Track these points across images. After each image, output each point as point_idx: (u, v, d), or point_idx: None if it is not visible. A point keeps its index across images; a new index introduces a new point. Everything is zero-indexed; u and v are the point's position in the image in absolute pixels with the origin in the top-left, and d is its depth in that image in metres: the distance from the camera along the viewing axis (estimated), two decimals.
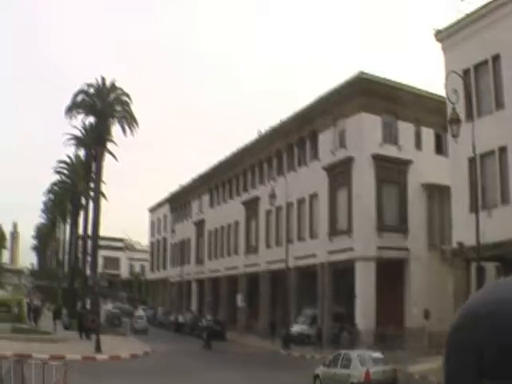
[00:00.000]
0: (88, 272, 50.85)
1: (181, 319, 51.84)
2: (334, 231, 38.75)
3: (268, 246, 47.37)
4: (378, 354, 20.17)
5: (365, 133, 37.00)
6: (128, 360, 28.62)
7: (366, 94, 36.89)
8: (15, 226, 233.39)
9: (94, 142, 48.57)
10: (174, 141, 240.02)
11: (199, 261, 62.48)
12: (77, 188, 59.35)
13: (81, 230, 57.32)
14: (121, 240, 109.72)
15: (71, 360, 25.35)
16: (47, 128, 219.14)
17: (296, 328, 38.52)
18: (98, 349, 28.70)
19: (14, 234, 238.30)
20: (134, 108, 49.19)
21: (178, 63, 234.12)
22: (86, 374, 21.50)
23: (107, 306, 57.84)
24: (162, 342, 38.64)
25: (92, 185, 59.09)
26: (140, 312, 55.10)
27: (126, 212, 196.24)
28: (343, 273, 37.22)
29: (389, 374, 19.10)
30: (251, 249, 50.59)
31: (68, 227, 67.81)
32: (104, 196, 61.93)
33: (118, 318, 50.27)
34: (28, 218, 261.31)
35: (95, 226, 47.48)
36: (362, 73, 37.11)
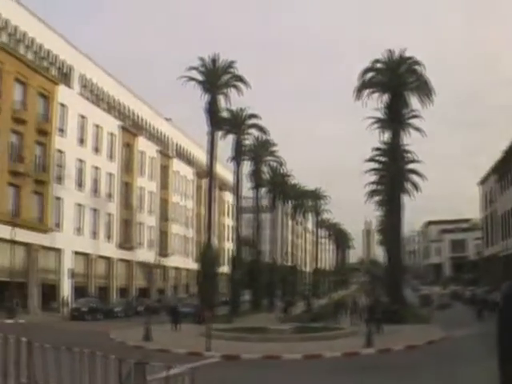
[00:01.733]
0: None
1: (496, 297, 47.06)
2: None
3: None
4: None
5: None
6: (399, 352, 24.40)
7: None
8: (368, 223, 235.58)
9: (392, 120, 46.57)
10: None
11: None
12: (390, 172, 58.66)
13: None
14: (466, 220, 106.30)
15: (329, 357, 22.66)
16: None
17: None
18: (369, 343, 25.64)
19: (368, 232, 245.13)
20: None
21: None
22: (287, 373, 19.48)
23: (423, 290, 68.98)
24: (467, 326, 35.08)
25: (408, 166, 59.24)
26: (443, 291, 68.97)
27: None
28: None
29: None
30: None
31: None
32: (420, 175, 61.02)
33: (429, 298, 57.81)
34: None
35: (397, 208, 47.63)
36: None
